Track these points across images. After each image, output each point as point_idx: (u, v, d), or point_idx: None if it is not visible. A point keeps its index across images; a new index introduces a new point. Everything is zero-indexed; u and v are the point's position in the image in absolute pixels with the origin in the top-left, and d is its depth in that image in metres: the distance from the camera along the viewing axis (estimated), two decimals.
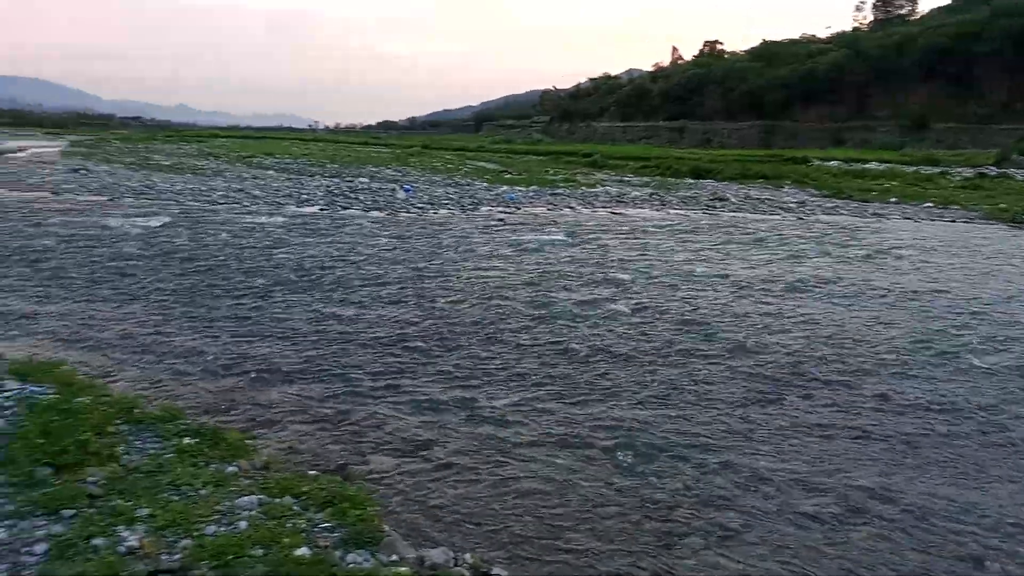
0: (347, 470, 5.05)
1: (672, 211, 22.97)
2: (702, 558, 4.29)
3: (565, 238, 16.28)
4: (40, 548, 3.51)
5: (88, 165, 34.89)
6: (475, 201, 23.65)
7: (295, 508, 4.09)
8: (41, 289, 10.05)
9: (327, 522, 3.97)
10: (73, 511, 3.85)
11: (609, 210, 22.66)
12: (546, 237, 16.36)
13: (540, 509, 4.77)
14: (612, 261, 13.61)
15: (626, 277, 12.02)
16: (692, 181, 34.82)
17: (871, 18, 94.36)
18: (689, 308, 10.05)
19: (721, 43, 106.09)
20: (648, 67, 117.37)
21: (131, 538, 3.62)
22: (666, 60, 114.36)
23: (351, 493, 4.25)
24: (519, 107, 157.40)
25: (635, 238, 16.70)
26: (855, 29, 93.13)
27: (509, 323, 9.12)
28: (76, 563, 3.37)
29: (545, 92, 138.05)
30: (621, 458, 5.53)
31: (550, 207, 22.95)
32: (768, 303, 10.51)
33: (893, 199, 26.97)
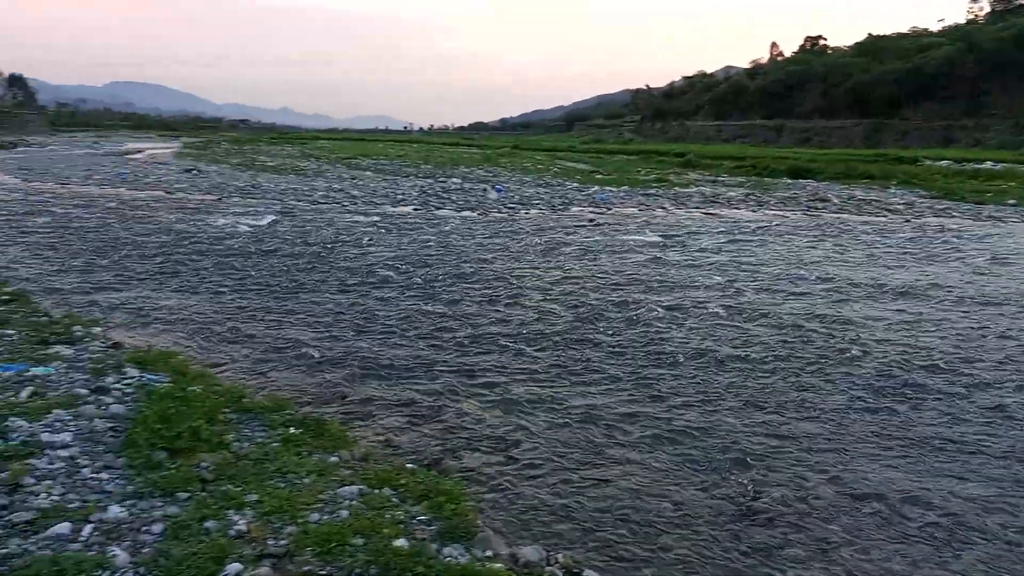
0: (441, 464, 5.13)
1: (769, 212, 22.26)
2: (802, 572, 4.14)
3: (657, 239, 16.04)
4: (157, 528, 3.72)
5: (199, 166, 36.88)
6: (565, 201, 23.62)
7: (393, 500, 4.19)
8: (156, 282, 10.68)
9: (423, 515, 4.04)
10: (187, 494, 4.06)
11: (703, 211, 22.18)
12: (638, 238, 16.17)
13: (633, 512, 4.71)
14: (706, 262, 13.32)
15: (720, 279, 11.73)
16: (790, 181, 33.60)
17: (987, 9, 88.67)
18: (788, 312, 9.71)
19: (824, 38, 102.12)
20: (745, 64, 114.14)
21: (240, 522, 3.79)
22: (764, 56, 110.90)
23: (447, 487, 4.31)
24: (611, 107, 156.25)
25: (730, 239, 16.28)
26: (970, 22, 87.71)
27: (601, 324, 9.06)
28: (190, 544, 3.55)
29: (637, 91, 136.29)
30: (718, 464, 5.40)
31: (642, 208, 22.68)
32: (873, 309, 10.03)
33: (1011, 201, 25.17)
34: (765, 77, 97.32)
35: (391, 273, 11.75)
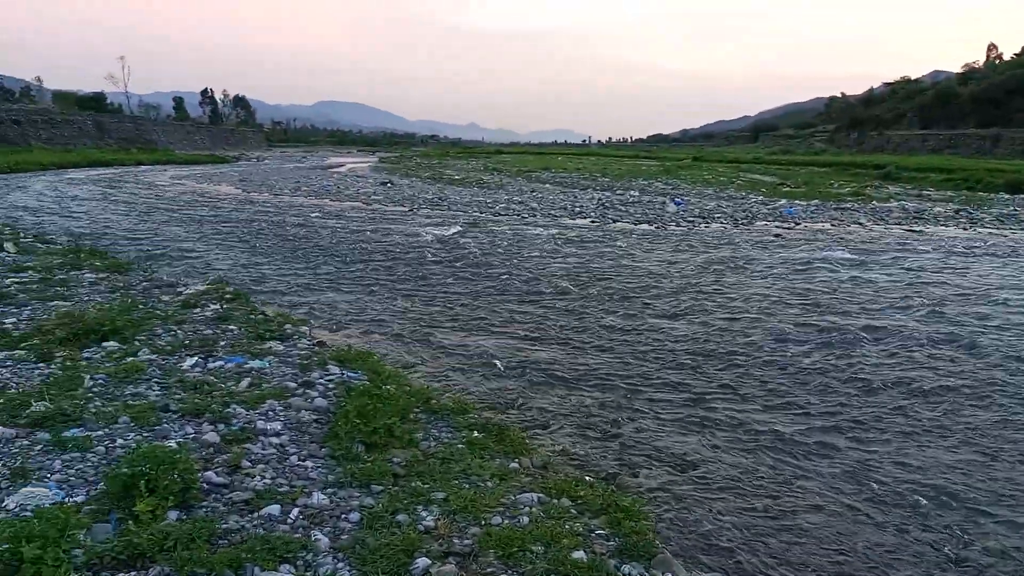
0: (619, 479, 5.09)
1: (983, 230, 20.09)
2: None
3: (852, 257, 14.97)
4: (355, 517, 3.99)
5: (393, 178, 39.38)
6: (749, 215, 22.71)
7: (572, 511, 4.21)
8: (354, 286, 11.50)
9: (602, 529, 4.02)
10: (381, 487, 4.32)
11: (905, 227, 20.45)
12: (829, 254, 15.18)
13: (821, 549, 4.42)
14: (909, 284, 12.24)
15: (925, 302, 10.73)
16: (1008, 197, 30.14)
17: None
18: (1003, 342, 8.70)
19: None
20: (957, 68, 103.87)
21: (428, 518, 3.97)
22: (980, 60, 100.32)
23: (626, 503, 4.27)
24: (801, 116, 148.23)
25: (937, 259, 14.86)
26: None
27: (788, 346, 8.59)
28: (383, 534, 3.77)
29: (831, 99, 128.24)
30: (917, 505, 4.93)
31: (834, 223, 21.29)
32: None
33: None
34: (980, 83, 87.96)
35: (568, 284, 11.86)
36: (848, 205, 25.98)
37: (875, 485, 5.22)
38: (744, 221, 21.37)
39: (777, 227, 20.18)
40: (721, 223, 20.92)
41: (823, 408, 6.66)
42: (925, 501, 4.97)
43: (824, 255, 15.15)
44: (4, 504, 3.86)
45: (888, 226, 20.74)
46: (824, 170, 49.56)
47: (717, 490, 5.12)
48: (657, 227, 19.96)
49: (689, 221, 21.21)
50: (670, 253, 15.34)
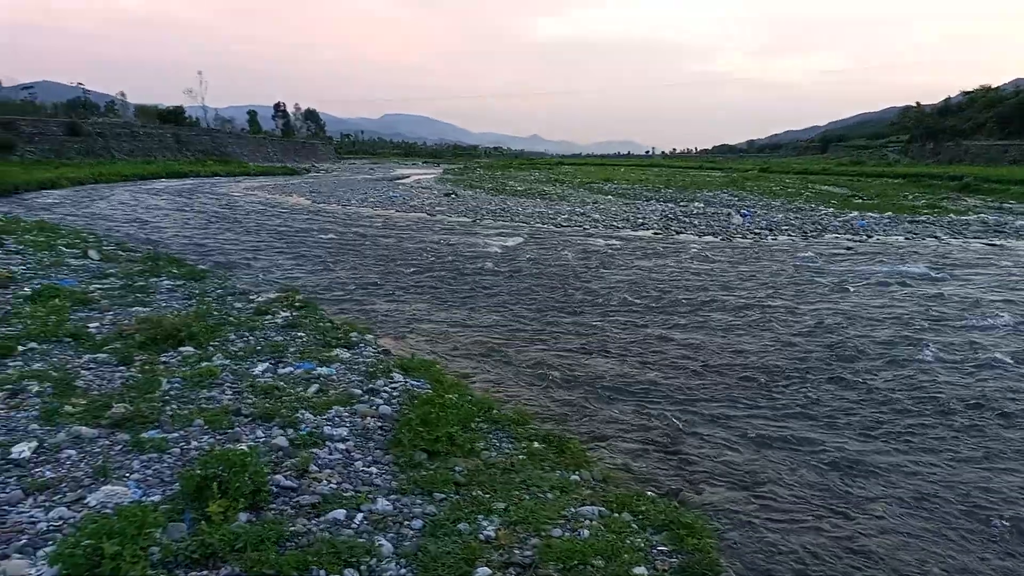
0: (681, 495, 5.02)
1: None
2: None
3: (928, 272, 14.42)
4: (417, 524, 4.05)
5: (457, 190, 39.82)
6: (819, 227, 22.14)
7: (633, 525, 4.18)
8: (417, 296, 11.67)
9: (664, 545, 3.98)
10: (443, 495, 4.37)
11: (984, 241, 19.60)
12: (904, 269, 14.66)
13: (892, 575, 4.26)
14: (990, 300, 11.73)
15: (1009, 319, 10.26)
16: None
17: None
18: None
19: None
20: None
21: (489, 528, 4.01)
22: None
23: (688, 520, 4.21)
24: (873, 126, 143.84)
25: (1019, 274, 14.19)
26: None
27: (860, 363, 8.33)
28: (444, 542, 3.82)
29: (906, 108, 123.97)
30: (1000, 533, 4.71)
31: (909, 236, 20.57)
32: None
33: None
34: None
35: (629, 296, 11.77)
36: (923, 218, 25.08)
37: (951, 510, 5.01)
38: (813, 234, 20.85)
39: (848, 240, 19.61)
40: (789, 235, 20.45)
41: (894, 428, 6.44)
42: (1005, 527, 4.75)
43: (898, 269, 14.64)
44: (86, 501, 4.05)
45: (966, 240, 19.92)
46: (897, 181, 47.98)
47: (783, 510, 4.99)
48: (722, 239, 19.64)
49: (756, 233, 20.81)
50: (735, 266, 15.07)
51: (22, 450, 4.61)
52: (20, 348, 6.79)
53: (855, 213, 26.40)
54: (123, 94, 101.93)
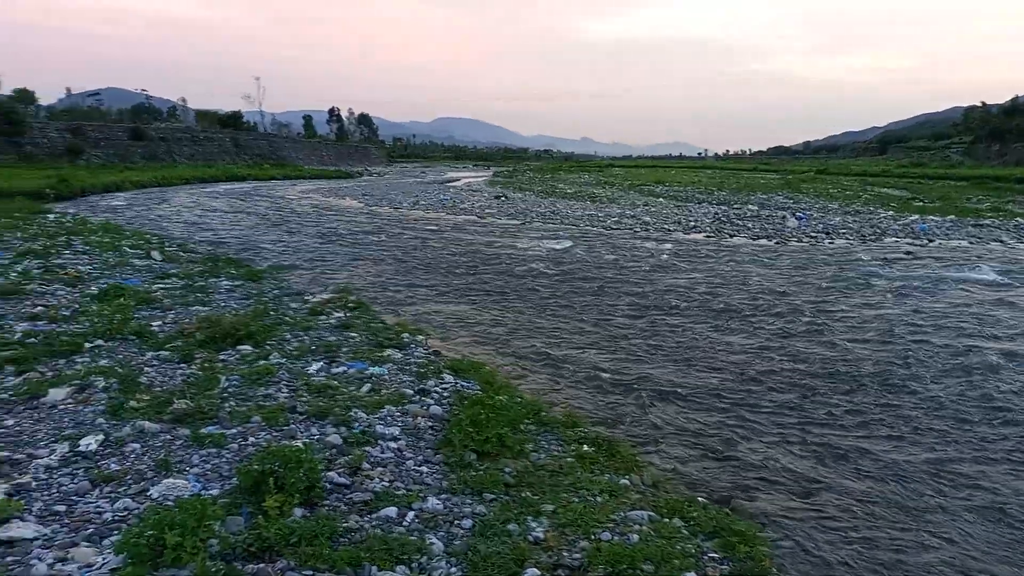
0: (733, 502, 4.95)
1: None
2: None
3: (993, 277, 13.92)
4: (467, 523, 4.08)
5: (506, 192, 39.94)
6: (877, 231, 21.56)
7: (683, 531, 4.14)
8: (467, 297, 11.75)
9: (715, 552, 3.93)
10: (493, 495, 4.40)
11: None
12: (967, 274, 14.18)
13: None
14: None
15: None
16: None
17: None
18: None
19: None
20: None
21: (537, 529, 4.01)
22: None
23: (740, 527, 4.15)
24: (935, 127, 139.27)
25: None
26: None
27: (919, 369, 8.09)
28: (494, 543, 3.84)
29: (970, 108, 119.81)
30: None
31: (972, 240, 19.88)
32: None
33: None
34: None
35: (681, 301, 11.65)
36: (988, 221, 24.19)
37: (1014, 523, 4.84)
38: (872, 237, 20.31)
39: (909, 244, 19.05)
40: (847, 239, 19.97)
41: (956, 438, 6.23)
42: None
43: (961, 274, 14.17)
44: (149, 493, 4.20)
45: None
46: (960, 184, 46.37)
47: (838, 519, 4.88)
48: (777, 242, 19.28)
49: (811, 236, 20.37)
50: (790, 269, 14.78)
51: (90, 443, 4.81)
52: (87, 345, 7.08)
53: (916, 216, 25.61)
54: (184, 100, 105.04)
